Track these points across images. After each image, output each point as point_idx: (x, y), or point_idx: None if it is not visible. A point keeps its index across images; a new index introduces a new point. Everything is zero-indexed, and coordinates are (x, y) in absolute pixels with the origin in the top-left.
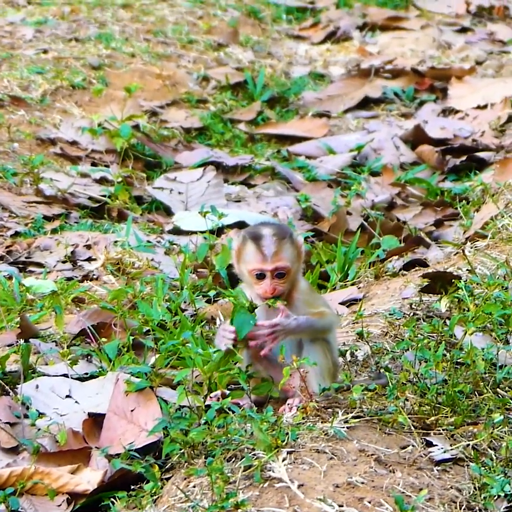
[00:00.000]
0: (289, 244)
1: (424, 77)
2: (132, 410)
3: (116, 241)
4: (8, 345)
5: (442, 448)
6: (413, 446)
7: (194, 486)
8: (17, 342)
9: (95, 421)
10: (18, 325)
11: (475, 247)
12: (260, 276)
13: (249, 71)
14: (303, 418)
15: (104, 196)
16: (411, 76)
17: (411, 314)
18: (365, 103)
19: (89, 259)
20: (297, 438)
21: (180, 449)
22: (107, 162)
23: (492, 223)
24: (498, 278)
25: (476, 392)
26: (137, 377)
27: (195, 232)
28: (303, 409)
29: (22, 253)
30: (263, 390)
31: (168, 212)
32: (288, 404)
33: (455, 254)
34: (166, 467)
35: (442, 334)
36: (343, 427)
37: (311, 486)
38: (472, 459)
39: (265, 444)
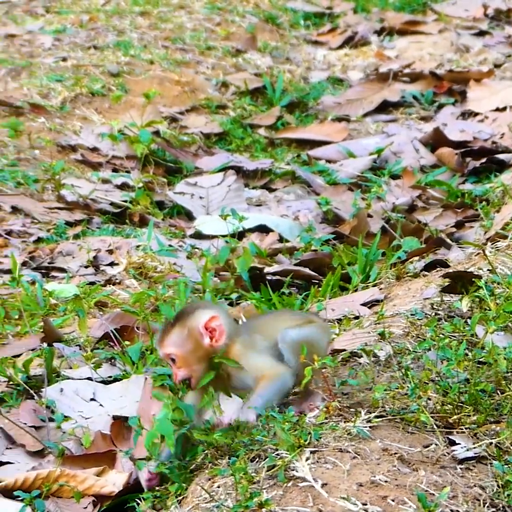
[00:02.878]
0: (177, 328)
1: (443, 81)
2: (153, 415)
3: (138, 246)
4: (32, 350)
5: (465, 446)
6: (436, 444)
7: (218, 486)
8: (41, 346)
9: (123, 423)
10: (41, 329)
11: (496, 247)
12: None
13: (267, 76)
14: (326, 418)
15: (126, 201)
16: (429, 79)
17: (433, 314)
18: (384, 107)
19: (111, 264)
20: (320, 438)
21: (204, 450)
22: (128, 168)
23: None
24: None
25: (498, 391)
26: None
27: (217, 236)
28: (325, 409)
29: (45, 258)
30: None
31: (189, 216)
32: (310, 404)
33: (476, 255)
34: (191, 468)
35: (463, 333)
36: (366, 427)
37: (335, 485)
38: (495, 457)
39: (288, 444)
